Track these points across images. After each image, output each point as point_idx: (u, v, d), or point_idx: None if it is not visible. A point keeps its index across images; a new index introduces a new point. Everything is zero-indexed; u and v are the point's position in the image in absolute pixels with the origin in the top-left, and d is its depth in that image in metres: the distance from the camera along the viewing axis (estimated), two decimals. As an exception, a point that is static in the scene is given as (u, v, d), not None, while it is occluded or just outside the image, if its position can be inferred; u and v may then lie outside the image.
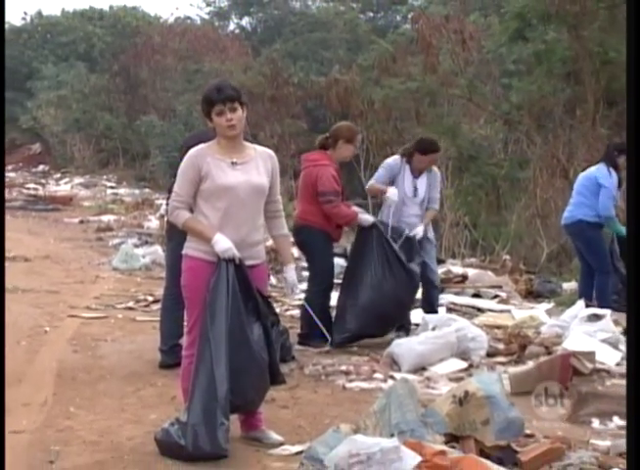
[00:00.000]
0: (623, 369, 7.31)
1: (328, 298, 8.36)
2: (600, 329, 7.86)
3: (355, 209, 8.62)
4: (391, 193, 8.48)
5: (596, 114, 15.60)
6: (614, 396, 6.29)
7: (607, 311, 8.21)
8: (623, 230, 9.37)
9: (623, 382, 6.92)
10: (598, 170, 9.52)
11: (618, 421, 5.83)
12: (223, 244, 5.24)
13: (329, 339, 8.05)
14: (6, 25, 40.04)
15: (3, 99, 16.72)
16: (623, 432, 5.59)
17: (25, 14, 42.06)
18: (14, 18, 46.35)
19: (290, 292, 6.03)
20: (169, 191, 6.72)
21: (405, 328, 8.52)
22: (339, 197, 8.18)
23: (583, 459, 4.85)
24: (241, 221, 5.34)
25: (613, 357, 7.47)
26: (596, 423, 5.81)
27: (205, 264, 5.32)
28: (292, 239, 8.30)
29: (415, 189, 8.72)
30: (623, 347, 7.85)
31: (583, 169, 10.07)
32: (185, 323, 6.09)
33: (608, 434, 5.58)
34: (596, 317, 8.04)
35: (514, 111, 17.86)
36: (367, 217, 8.43)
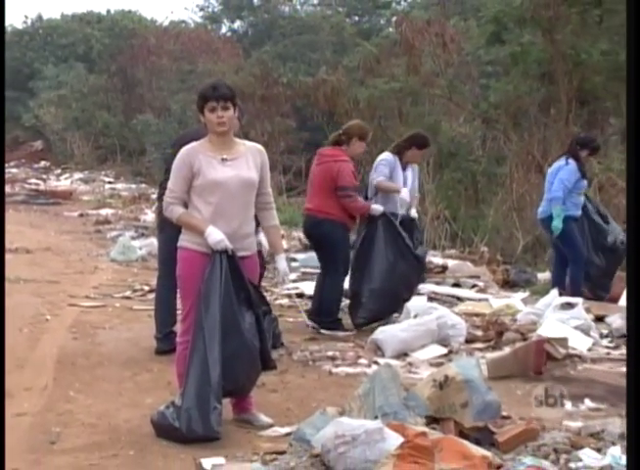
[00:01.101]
0: (594, 354, 7.37)
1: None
2: (572, 317, 7.90)
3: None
4: (405, 194, 8.59)
5: (569, 113, 15.62)
6: (585, 379, 6.33)
7: (579, 300, 8.24)
8: (559, 221, 9.45)
9: (594, 366, 6.99)
10: (558, 164, 9.63)
11: (589, 403, 5.86)
12: (216, 236, 5.25)
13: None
14: (8, 28, 39.93)
15: (3, 99, 16.60)
16: (594, 413, 5.63)
17: (27, 17, 41.85)
18: (16, 21, 46.24)
19: (281, 281, 6.04)
20: (160, 186, 6.74)
21: None
22: (357, 191, 8.36)
23: (556, 439, 4.87)
24: (232, 214, 5.34)
25: (584, 343, 7.52)
26: (568, 405, 5.82)
27: (199, 256, 5.32)
28: (282, 231, 8.36)
29: (405, 180, 8.79)
30: (594, 333, 7.90)
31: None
32: (179, 312, 6.09)
33: (579, 415, 5.59)
34: (569, 305, 8.08)
35: (491, 110, 17.88)
36: (378, 207, 8.48)
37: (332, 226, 8.27)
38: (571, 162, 9.48)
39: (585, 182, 9.77)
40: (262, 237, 6.73)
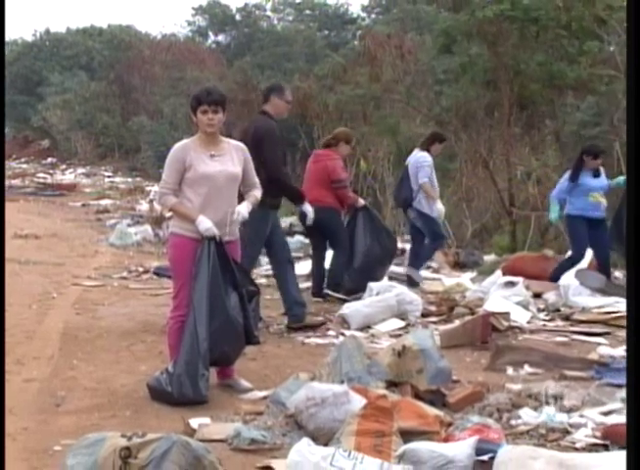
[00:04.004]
0: (533, 326, 7.41)
1: None
2: (514, 293, 7.92)
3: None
4: (440, 205, 9.59)
5: (510, 116, 15.65)
6: (524, 348, 6.35)
7: (519, 279, 8.23)
8: (553, 211, 9.38)
9: (533, 337, 7.03)
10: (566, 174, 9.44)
11: (528, 369, 5.87)
12: (205, 224, 5.22)
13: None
14: (19, 41, 39.64)
15: (3, 100, 16.34)
16: (532, 377, 5.65)
17: (36, 31, 41.66)
18: (26, 34, 45.86)
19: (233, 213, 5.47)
20: None
21: None
22: (347, 183, 8.87)
23: (500, 400, 4.90)
24: (219, 204, 5.31)
25: (524, 317, 7.55)
26: (510, 370, 5.84)
27: (188, 241, 5.29)
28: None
29: None
30: (533, 308, 7.93)
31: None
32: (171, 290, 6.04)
33: (520, 379, 5.60)
34: (511, 284, 8.10)
35: (444, 113, 17.88)
36: (361, 200, 8.98)
37: (330, 212, 8.52)
38: (568, 172, 9.33)
39: (594, 184, 9.26)
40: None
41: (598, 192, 9.20)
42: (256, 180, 5.64)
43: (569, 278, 8.73)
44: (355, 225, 8.77)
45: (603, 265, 9.21)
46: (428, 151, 9.51)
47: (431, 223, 9.46)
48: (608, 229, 9.15)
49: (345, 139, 8.87)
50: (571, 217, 9.28)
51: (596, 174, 9.27)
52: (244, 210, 5.45)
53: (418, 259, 9.71)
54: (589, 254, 9.34)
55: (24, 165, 30.87)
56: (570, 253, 9.54)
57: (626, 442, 3.05)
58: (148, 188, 21.45)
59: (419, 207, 9.40)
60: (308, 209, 7.61)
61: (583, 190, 9.18)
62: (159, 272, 8.84)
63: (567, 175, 9.33)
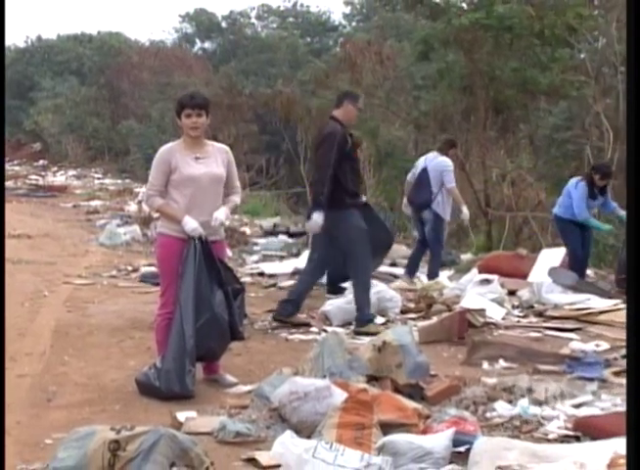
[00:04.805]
0: (507, 322, 7.43)
1: None
2: (489, 291, 7.95)
3: None
4: (466, 210, 9.64)
5: (486, 120, 15.72)
6: (499, 343, 6.37)
7: (495, 277, 8.25)
8: (599, 225, 9.41)
9: (508, 332, 7.05)
10: (571, 184, 9.32)
11: (503, 363, 5.89)
12: (191, 224, 5.21)
13: None
14: (12, 47, 39.41)
15: (3, 103, 16.25)
16: (507, 371, 5.67)
17: (28, 37, 41.46)
18: (18, 41, 45.65)
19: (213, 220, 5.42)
20: None
21: None
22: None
23: (475, 393, 4.91)
24: (204, 205, 5.30)
25: (499, 313, 7.57)
26: (485, 365, 5.87)
27: (175, 241, 5.28)
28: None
29: None
30: (507, 304, 7.96)
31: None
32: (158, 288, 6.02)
33: (495, 373, 5.62)
34: (486, 281, 8.12)
35: (422, 117, 17.94)
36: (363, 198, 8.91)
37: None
38: (582, 184, 9.19)
39: (595, 202, 9.36)
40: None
41: (591, 209, 9.41)
42: (237, 184, 5.62)
43: (542, 276, 8.78)
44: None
45: (580, 263, 9.27)
46: (446, 155, 9.48)
47: (439, 227, 9.35)
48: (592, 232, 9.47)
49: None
50: (561, 220, 9.39)
51: (602, 193, 9.34)
52: (221, 215, 5.38)
53: (413, 264, 9.79)
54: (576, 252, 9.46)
55: (17, 168, 30.66)
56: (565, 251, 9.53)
57: (626, 437, 3.03)
58: (136, 189, 21.34)
59: (437, 209, 9.24)
60: (315, 218, 6.89)
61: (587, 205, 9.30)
62: (144, 279, 9.08)
63: (577, 194, 9.14)
